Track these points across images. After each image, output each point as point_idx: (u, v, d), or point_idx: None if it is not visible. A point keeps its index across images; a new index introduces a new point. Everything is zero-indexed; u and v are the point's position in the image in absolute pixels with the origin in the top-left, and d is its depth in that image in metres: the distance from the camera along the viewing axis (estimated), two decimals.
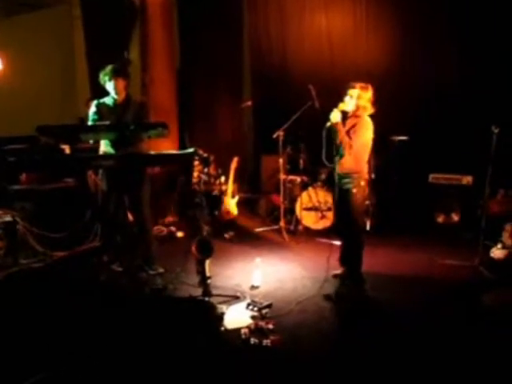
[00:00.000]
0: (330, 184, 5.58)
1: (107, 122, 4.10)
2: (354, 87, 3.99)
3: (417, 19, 6.69)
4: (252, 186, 8.03)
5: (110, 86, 4.38)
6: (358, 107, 4.01)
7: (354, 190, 4.03)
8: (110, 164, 3.84)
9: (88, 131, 3.88)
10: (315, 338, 3.38)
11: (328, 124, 4.01)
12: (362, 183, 4.07)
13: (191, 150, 4.00)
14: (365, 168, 4.11)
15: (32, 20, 9.71)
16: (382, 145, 6.06)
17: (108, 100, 4.45)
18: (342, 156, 4.02)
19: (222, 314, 3.64)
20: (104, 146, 4.37)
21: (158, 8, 6.56)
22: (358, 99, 3.98)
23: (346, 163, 4.03)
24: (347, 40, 7.24)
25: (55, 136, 3.81)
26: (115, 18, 8.17)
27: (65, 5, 9.60)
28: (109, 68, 4.37)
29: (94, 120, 4.38)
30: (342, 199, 4.15)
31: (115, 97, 4.41)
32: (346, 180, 4.07)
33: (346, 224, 4.25)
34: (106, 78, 4.37)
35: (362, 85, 4.02)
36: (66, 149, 4.80)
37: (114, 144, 4.26)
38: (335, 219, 4.59)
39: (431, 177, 6.23)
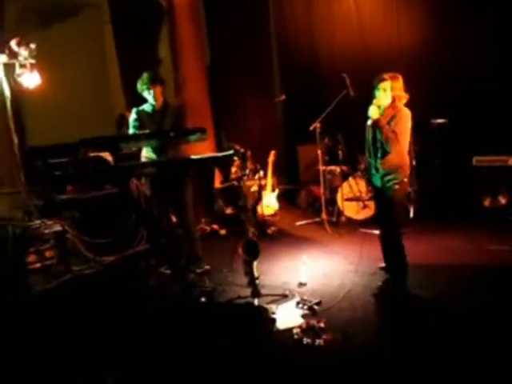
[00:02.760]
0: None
1: (147, 131, 4.18)
2: (384, 79, 3.84)
3: (448, 6, 6.47)
4: (290, 177, 8.01)
5: (147, 93, 4.47)
6: (393, 99, 3.88)
7: (397, 187, 3.89)
8: (152, 171, 3.90)
9: (128, 140, 3.93)
10: (366, 336, 3.36)
11: (369, 122, 3.92)
12: (405, 179, 3.94)
13: (230, 151, 4.03)
14: (407, 160, 3.98)
15: (64, 28, 9.89)
16: (421, 129, 5.96)
17: (147, 107, 4.54)
18: (386, 153, 3.89)
19: (273, 313, 3.67)
20: (146, 152, 4.47)
21: (186, 8, 6.57)
22: (391, 91, 3.85)
23: (389, 160, 3.88)
24: (378, 23, 7.09)
25: (97, 147, 3.89)
26: (143, 20, 8.24)
27: (94, 10, 9.74)
28: (145, 76, 4.45)
29: (134, 127, 4.50)
30: (383, 195, 4.02)
31: (154, 104, 4.49)
32: (390, 177, 3.91)
33: (385, 219, 4.14)
34: (144, 86, 4.45)
35: (391, 75, 3.90)
36: (108, 157, 4.90)
37: (155, 150, 4.35)
38: (376, 212, 4.45)
39: (475, 159, 6.03)
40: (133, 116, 4.55)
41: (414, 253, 4.34)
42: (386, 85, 3.83)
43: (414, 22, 6.83)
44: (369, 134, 3.98)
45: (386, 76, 3.85)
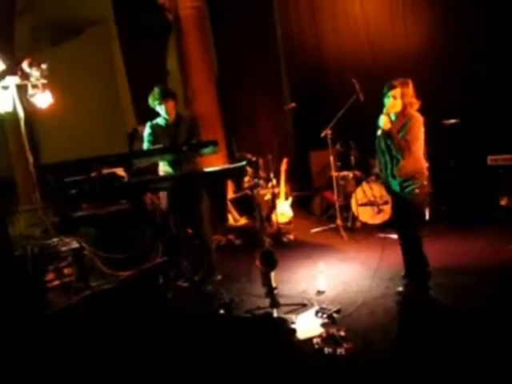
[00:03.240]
0: None
1: (161, 145, 4.23)
2: (395, 87, 3.76)
3: (454, 4, 6.45)
4: (303, 183, 8.01)
5: (160, 108, 4.53)
6: (405, 105, 3.79)
7: (417, 191, 3.82)
8: (167, 186, 3.92)
9: (141, 156, 3.98)
10: (388, 343, 3.33)
11: (379, 132, 3.87)
12: (425, 182, 3.87)
13: (243, 162, 4.05)
14: (424, 164, 3.94)
15: (73, 46, 10.04)
16: (433, 130, 5.91)
17: (160, 121, 4.61)
18: (398, 161, 3.83)
19: (293, 323, 3.66)
20: (162, 166, 4.53)
21: (192, 21, 6.63)
22: (402, 98, 3.77)
23: (406, 167, 3.81)
24: (384, 27, 7.10)
25: (111, 165, 3.93)
26: (150, 34, 8.32)
27: (101, 26, 9.87)
28: (156, 91, 4.51)
29: (149, 141, 4.57)
30: (402, 201, 3.95)
31: (166, 117, 4.54)
32: (408, 183, 3.84)
33: (404, 224, 4.08)
34: (156, 102, 4.51)
35: (402, 81, 3.79)
36: (122, 173, 4.94)
37: (170, 163, 4.40)
38: (394, 217, 4.40)
39: (489, 159, 5.97)
40: (147, 130, 4.61)
41: (432, 255, 4.28)
42: (396, 92, 3.75)
43: (420, 24, 6.82)
44: (380, 144, 3.92)
45: (395, 83, 3.77)
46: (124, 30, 8.73)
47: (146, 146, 4.61)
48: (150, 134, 4.58)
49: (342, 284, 4.45)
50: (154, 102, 4.53)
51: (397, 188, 3.95)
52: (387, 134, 3.81)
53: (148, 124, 4.64)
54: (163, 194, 4.66)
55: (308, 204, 7.31)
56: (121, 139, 8.69)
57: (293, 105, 6.70)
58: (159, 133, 4.57)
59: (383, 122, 3.78)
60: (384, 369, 3.01)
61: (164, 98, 4.47)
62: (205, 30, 6.93)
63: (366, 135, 4.73)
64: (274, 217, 6.23)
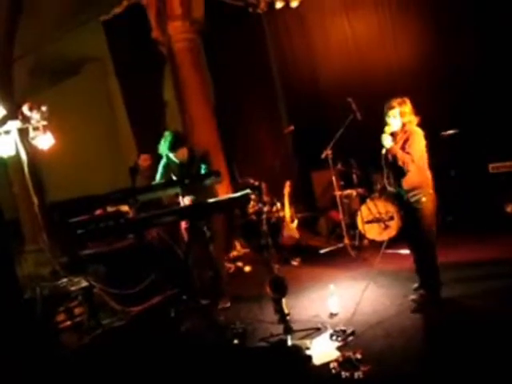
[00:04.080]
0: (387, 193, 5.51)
1: (162, 181, 4.27)
2: (393, 107, 4.03)
3: (444, 12, 6.55)
4: (307, 204, 8.01)
5: (171, 155, 4.65)
6: (404, 123, 4.06)
7: (424, 199, 4.01)
8: (173, 219, 3.93)
9: (145, 192, 3.98)
10: (405, 364, 3.28)
11: (384, 151, 4.11)
12: (431, 191, 4.07)
13: (247, 190, 4.06)
14: (429, 176, 4.12)
15: (71, 84, 10.20)
16: (432, 142, 5.94)
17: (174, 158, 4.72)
18: (405, 174, 4.04)
19: (308, 348, 3.63)
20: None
21: (186, 53, 6.72)
22: (401, 117, 4.04)
23: (410, 178, 4.04)
24: (375, 45, 7.20)
25: (116, 202, 3.96)
26: (145, 67, 8.46)
27: (98, 64, 10.04)
28: (168, 140, 4.60)
29: (161, 173, 4.73)
30: (412, 212, 4.12)
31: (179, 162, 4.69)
32: (414, 192, 4.05)
33: (416, 236, 4.16)
34: (167, 150, 4.63)
35: (399, 101, 4.05)
36: (126, 208, 4.96)
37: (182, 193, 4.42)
38: (404, 232, 4.51)
39: (491, 167, 6.00)
40: (162, 162, 4.76)
41: (443, 267, 4.28)
42: (394, 112, 4.04)
43: (411, 39, 6.91)
44: (386, 159, 4.14)
45: (393, 103, 4.03)
46: (120, 66, 8.88)
47: (158, 177, 4.78)
48: (164, 167, 4.73)
49: (354, 304, 4.40)
50: (165, 150, 4.64)
51: (405, 197, 4.14)
52: (390, 152, 4.06)
53: (163, 158, 4.76)
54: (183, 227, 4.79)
55: (314, 225, 7.29)
56: (123, 173, 8.77)
57: (291, 128, 6.76)
58: (173, 168, 4.70)
59: (385, 141, 4.03)
60: None
61: (174, 148, 4.59)
62: (199, 61, 7.01)
63: (366, 152, 4.79)
64: (280, 241, 6.22)
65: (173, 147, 4.60)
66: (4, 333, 4.11)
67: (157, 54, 7.67)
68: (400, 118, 4.03)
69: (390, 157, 4.08)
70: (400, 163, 3.98)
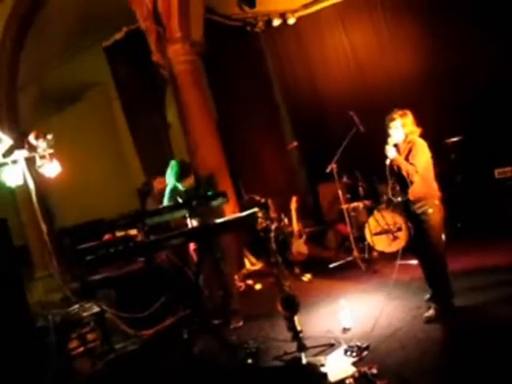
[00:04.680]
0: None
1: (170, 204, 4.31)
2: (394, 119, 4.06)
3: (440, 13, 6.57)
4: (314, 218, 8.00)
5: (178, 185, 4.74)
6: (406, 134, 4.08)
7: (431, 211, 3.99)
8: (182, 241, 3.95)
9: (153, 215, 4.01)
10: (421, 378, 3.23)
11: (388, 161, 4.10)
12: (437, 202, 4.05)
13: (254, 208, 4.08)
14: (435, 187, 4.11)
15: (75, 110, 10.33)
16: (437, 150, 5.94)
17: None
18: (410, 184, 4.03)
19: (322, 365, 3.60)
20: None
21: (187, 75, 6.79)
22: (403, 128, 4.05)
23: (415, 189, 4.03)
24: (374, 57, 7.27)
25: (125, 227, 3.99)
26: (148, 90, 8.56)
27: (101, 89, 10.17)
28: (174, 174, 4.68)
29: (169, 198, 4.81)
30: (419, 223, 4.10)
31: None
32: (420, 204, 4.04)
33: (424, 248, 4.14)
34: (173, 180, 4.72)
35: (400, 113, 4.08)
36: (134, 232, 4.98)
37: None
38: (412, 243, 4.49)
39: (497, 172, 5.98)
40: (169, 187, 4.83)
41: (455, 275, 4.25)
42: (396, 123, 4.06)
43: (409, 46, 6.96)
44: (390, 171, 4.15)
45: (395, 115, 4.06)
46: (123, 90, 8.98)
47: (166, 200, 4.85)
48: (171, 191, 4.81)
49: (367, 318, 4.37)
50: (170, 179, 4.73)
51: (411, 208, 4.12)
52: (394, 163, 4.07)
53: (170, 186, 4.84)
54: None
55: (322, 239, 7.28)
56: (131, 195, 8.83)
57: (295, 144, 6.80)
58: (180, 193, 4.76)
59: (388, 152, 4.04)
60: None
61: (181, 179, 4.68)
62: (200, 82, 7.07)
63: (371, 164, 4.78)
64: (290, 256, 6.20)
65: (180, 178, 4.68)
66: (18, 363, 4.11)
67: (159, 77, 7.78)
68: (402, 129, 4.05)
69: (395, 167, 4.09)
70: (404, 173, 3.99)
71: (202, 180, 4.86)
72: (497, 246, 5.33)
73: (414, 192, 4.04)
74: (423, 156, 4.01)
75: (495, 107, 6.23)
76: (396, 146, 4.08)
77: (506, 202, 5.88)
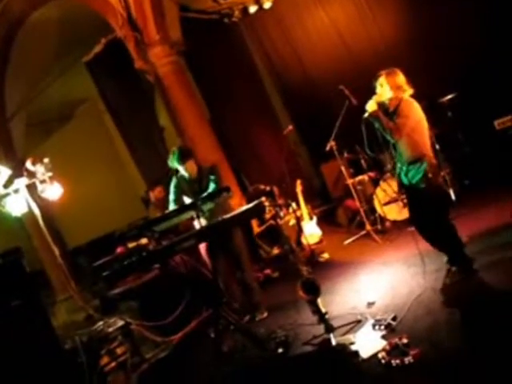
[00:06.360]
0: None
1: (176, 207, 4.29)
2: (379, 76, 3.93)
3: None
4: (322, 198, 7.98)
5: (181, 168, 4.75)
6: (394, 93, 3.88)
7: (430, 175, 3.82)
8: (193, 243, 3.93)
9: (160, 221, 4.01)
10: (453, 339, 3.21)
11: (366, 115, 3.93)
12: (434, 160, 3.90)
13: (260, 198, 4.07)
14: (429, 148, 3.94)
15: (68, 129, 10.34)
16: (433, 112, 5.89)
17: (184, 174, 4.82)
18: (395, 145, 3.90)
19: (352, 343, 3.59)
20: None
21: (172, 76, 6.75)
22: (388, 84, 3.88)
23: (407, 151, 3.86)
24: (355, 26, 7.17)
25: (135, 238, 3.99)
26: (136, 97, 8.53)
27: (90, 104, 10.16)
28: (175, 155, 4.72)
29: (174, 193, 4.84)
30: (419, 193, 3.94)
31: (188, 176, 4.79)
32: (415, 166, 3.86)
33: (425, 215, 4.02)
34: (175, 163, 4.74)
35: (387, 71, 3.95)
36: (145, 241, 4.98)
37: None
38: (411, 212, 4.26)
39: (497, 123, 5.89)
40: (173, 182, 4.86)
41: (471, 235, 4.19)
42: (381, 80, 3.92)
43: (389, 10, 6.86)
44: (365, 128, 4.00)
45: (380, 72, 3.94)
46: (111, 102, 8.96)
47: (171, 198, 4.86)
48: (176, 187, 4.83)
49: (390, 289, 4.36)
50: (173, 164, 4.76)
51: (405, 180, 3.99)
52: (373, 116, 3.86)
53: (174, 178, 4.86)
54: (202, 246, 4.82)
55: (333, 217, 7.26)
56: (136, 203, 8.83)
57: (290, 128, 6.73)
58: (184, 186, 4.81)
59: (369, 105, 3.88)
60: (458, 367, 2.92)
61: (183, 160, 4.70)
62: (186, 81, 7.02)
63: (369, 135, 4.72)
64: (303, 240, 6.19)
65: (182, 159, 4.70)
66: None
67: (144, 82, 7.73)
68: (388, 86, 3.87)
69: (378, 131, 3.88)
70: (385, 130, 3.78)
71: (204, 170, 4.86)
72: (508, 199, 5.25)
73: (405, 154, 3.85)
74: (412, 112, 3.83)
75: (487, 61, 6.13)
76: (383, 105, 3.92)
77: (510, 153, 5.81)
